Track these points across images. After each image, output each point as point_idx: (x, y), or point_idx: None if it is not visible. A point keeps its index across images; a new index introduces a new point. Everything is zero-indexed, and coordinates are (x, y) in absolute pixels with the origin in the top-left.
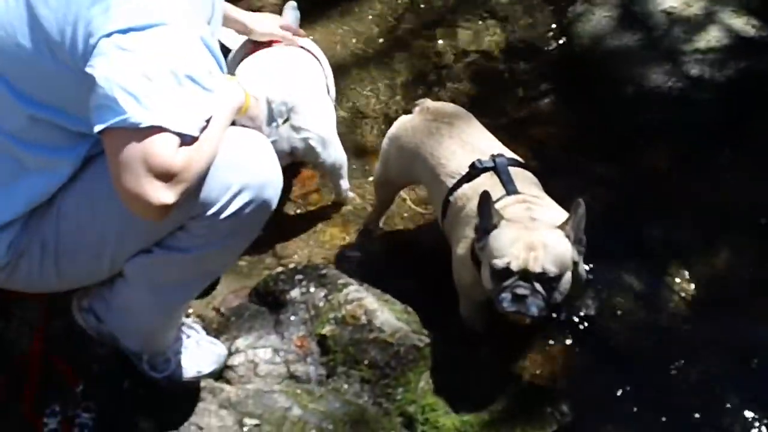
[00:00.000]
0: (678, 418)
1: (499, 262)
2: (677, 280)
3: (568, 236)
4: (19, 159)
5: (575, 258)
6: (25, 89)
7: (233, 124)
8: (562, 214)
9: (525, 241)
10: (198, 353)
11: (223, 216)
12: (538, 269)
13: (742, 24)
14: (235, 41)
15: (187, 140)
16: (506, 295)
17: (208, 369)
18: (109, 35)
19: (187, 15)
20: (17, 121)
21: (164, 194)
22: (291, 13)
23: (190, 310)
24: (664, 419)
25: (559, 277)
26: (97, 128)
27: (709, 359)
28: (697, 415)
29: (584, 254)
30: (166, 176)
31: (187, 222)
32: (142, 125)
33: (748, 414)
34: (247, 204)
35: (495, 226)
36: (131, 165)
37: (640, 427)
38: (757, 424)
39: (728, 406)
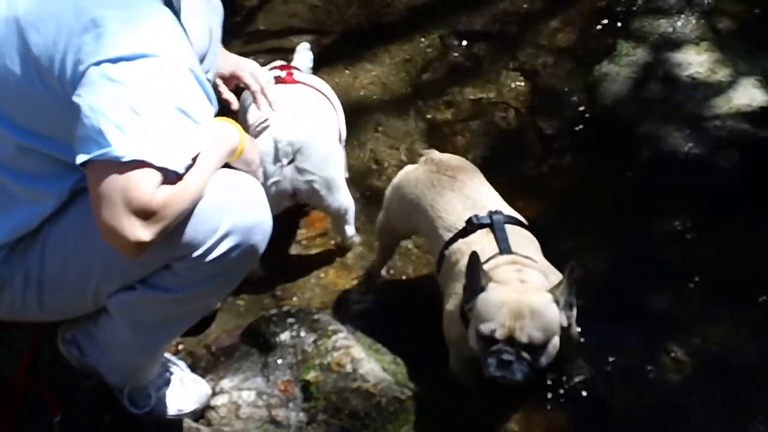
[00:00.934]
0: None
1: (485, 328)
2: (674, 347)
3: (557, 301)
4: (6, 187)
5: (563, 323)
6: (14, 116)
7: (227, 166)
8: (554, 276)
9: (512, 307)
10: (181, 391)
11: (209, 258)
12: (524, 339)
13: (765, 92)
14: None
15: (171, 177)
16: (492, 361)
17: (189, 408)
18: (98, 64)
19: (179, 47)
20: (4, 148)
21: (141, 231)
22: (304, 54)
23: (181, 347)
24: None
25: (545, 344)
26: (80, 159)
27: (702, 426)
28: None
29: (579, 315)
30: (144, 213)
31: (172, 262)
32: (124, 159)
33: None
34: (234, 248)
35: (483, 289)
36: (110, 198)
37: None
38: None
39: None
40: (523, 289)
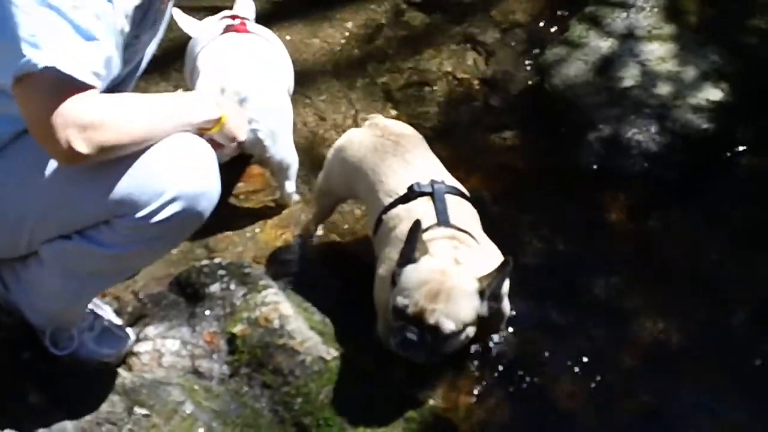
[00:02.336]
0: None
1: (400, 301)
2: (605, 328)
3: (482, 291)
4: None
5: (483, 314)
6: None
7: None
8: (490, 257)
9: (431, 288)
10: (104, 335)
11: (152, 221)
12: (431, 321)
13: (712, 86)
14: (192, 26)
15: (78, 85)
16: (396, 336)
17: (111, 352)
18: None
19: None
20: None
21: (73, 137)
22: (246, 3)
23: (107, 290)
24: None
25: (453, 334)
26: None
27: (621, 406)
28: None
29: (513, 292)
30: (75, 121)
31: (112, 219)
32: (39, 66)
33: None
34: (178, 213)
35: (415, 260)
36: (40, 106)
37: None
38: None
39: None
40: (453, 270)
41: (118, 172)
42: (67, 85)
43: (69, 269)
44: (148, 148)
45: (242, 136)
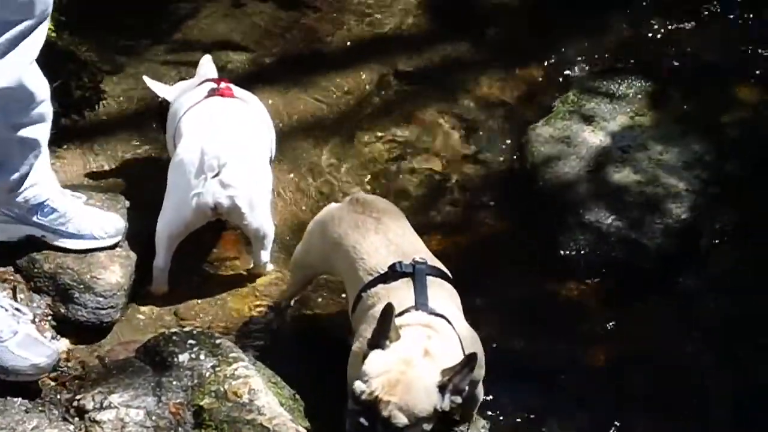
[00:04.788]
0: None
1: (357, 386)
2: (578, 412)
3: (444, 386)
4: None
5: (444, 408)
6: None
7: None
8: (466, 343)
9: (391, 378)
10: (27, 342)
11: None
12: (384, 413)
13: (691, 175)
14: (167, 91)
15: None
16: (351, 419)
17: (41, 361)
18: None
19: None
20: None
21: None
22: (208, 66)
23: (73, 354)
24: None
25: (406, 427)
26: None
27: None
28: None
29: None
30: None
31: None
32: None
33: None
34: None
35: (385, 346)
36: None
37: None
38: None
39: None
40: (419, 362)
41: None
42: None
43: None
44: None
45: None
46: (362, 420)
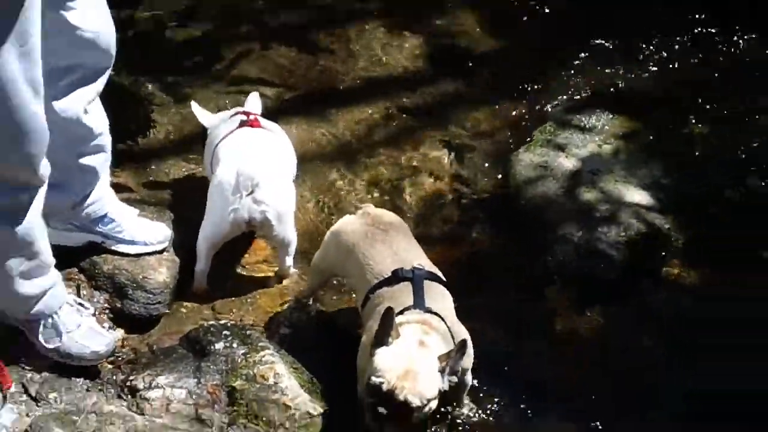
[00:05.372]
0: None
1: (375, 380)
2: (546, 401)
3: (443, 370)
4: None
5: (444, 388)
6: None
7: None
8: (458, 334)
9: (401, 369)
10: (90, 334)
11: None
12: (400, 398)
13: (652, 197)
14: (207, 119)
15: None
16: (370, 412)
17: (101, 349)
18: None
19: None
20: None
21: None
22: (255, 101)
23: (126, 343)
24: None
25: (418, 408)
26: None
27: None
28: None
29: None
30: None
31: None
32: None
33: None
34: None
35: (388, 343)
36: None
37: None
38: None
39: None
40: (419, 354)
41: None
42: None
43: None
44: None
45: None
46: (380, 409)
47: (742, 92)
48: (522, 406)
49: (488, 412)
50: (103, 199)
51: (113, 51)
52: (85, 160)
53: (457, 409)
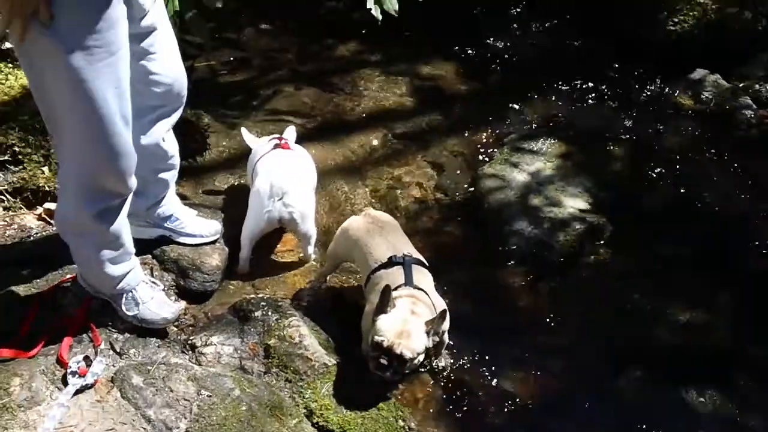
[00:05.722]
0: None
1: (377, 338)
2: (510, 354)
3: (428, 331)
4: None
5: (429, 345)
6: None
7: None
8: (437, 307)
9: (397, 330)
10: (162, 303)
11: None
12: (397, 351)
13: (584, 201)
14: (252, 141)
15: None
16: (373, 362)
17: (168, 315)
18: None
19: None
20: None
21: None
22: (290, 131)
23: (189, 311)
24: None
25: (411, 359)
26: None
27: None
28: None
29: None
30: None
31: None
32: None
33: None
34: None
35: (387, 311)
36: None
37: None
38: None
39: None
40: (410, 318)
41: None
42: None
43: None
44: None
45: None
46: (382, 360)
47: (648, 121)
48: (486, 357)
49: (461, 362)
50: (171, 202)
51: (185, 93)
52: (161, 175)
53: (437, 359)
